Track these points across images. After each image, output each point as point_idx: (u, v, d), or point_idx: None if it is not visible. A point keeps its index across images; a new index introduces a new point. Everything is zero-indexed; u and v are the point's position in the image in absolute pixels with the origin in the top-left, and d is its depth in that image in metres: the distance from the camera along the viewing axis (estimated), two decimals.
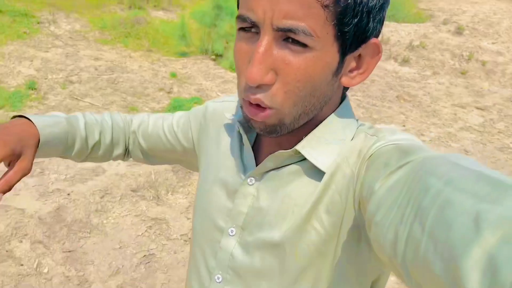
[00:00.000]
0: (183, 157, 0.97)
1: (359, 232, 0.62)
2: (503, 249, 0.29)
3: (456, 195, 0.37)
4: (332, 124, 0.68)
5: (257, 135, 0.78)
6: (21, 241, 2.69)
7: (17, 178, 0.74)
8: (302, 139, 0.67)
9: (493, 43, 8.72)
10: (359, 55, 0.62)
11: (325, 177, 0.64)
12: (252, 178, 0.72)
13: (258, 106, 0.61)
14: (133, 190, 3.33)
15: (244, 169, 0.75)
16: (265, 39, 0.56)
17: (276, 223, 0.68)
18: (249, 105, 0.62)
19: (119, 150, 1.01)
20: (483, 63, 7.75)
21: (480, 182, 0.37)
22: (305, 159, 0.67)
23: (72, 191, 3.16)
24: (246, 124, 0.73)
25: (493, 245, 0.30)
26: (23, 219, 2.84)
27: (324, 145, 0.66)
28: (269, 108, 0.60)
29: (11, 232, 2.73)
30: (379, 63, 7.63)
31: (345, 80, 0.63)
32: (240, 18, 0.59)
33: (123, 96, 4.92)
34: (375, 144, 0.61)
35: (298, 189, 0.67)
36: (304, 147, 0.66)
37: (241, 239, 0.72)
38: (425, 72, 7.50)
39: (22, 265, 2.54)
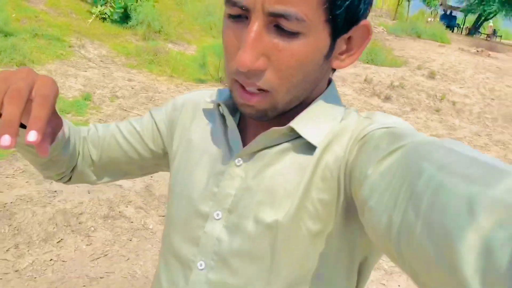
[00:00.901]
0: (145, 163, 0.89)
1: (349, 212, 0.62)
2: (498, 233, 0.30)
3: (449, 179, 0.37)
4: (321, 105, 0.67)
5: (241, 116, 0.75)
6: (127, 206, 3.45)
7: (47, 105, 0.54)
8: (291, 120, 0.65)
9: (460, 87, 10.08)
10: (349, 37, 0.62)
11: (317, 151, 0.63)
12: (240, 159, 0.69)
13: (249, 92, 0.60)
14: None
15: (230, 151, 0.72)
16: (256, 24, 0.55)
17: (268, 202, 0.65)
18: (241, 90, 0.61)
19: (73, 161, 0.87)
20: (454, 103, 9.00)
21: (473, 166, 0.37)
22: (296, 138, 0.66)
23: (153, 175, 3.94)
24: (230, 105, 0.72)
25: (488, 229, 0.30)
26: (124, 191, 3.61)
27: (316, 123, 0.65)
28: (264, 90, 0.60)
29: (119, 199, 3.49)
30: (365, 98, 8.77)
31: (335, 63, 0.64)
32: (229, 2, 0.57)
33: None
34: (368, 126, 0.61)
35: (289, 165, 0.66)
36: (298, 124, 0.65)
37: (228, 222, 0.68)
38: (405, 108, 8.62)
39: (132, 222, 3.29)
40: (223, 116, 0.75)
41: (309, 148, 0.65)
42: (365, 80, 9.50)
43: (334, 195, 0.62)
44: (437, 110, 8.67)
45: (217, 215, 0.69)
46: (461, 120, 8.45)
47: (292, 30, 0.54)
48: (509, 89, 10.62)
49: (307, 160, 0.64)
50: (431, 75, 10.47)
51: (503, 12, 27.90)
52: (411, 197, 0.40)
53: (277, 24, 0.55)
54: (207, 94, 0.82)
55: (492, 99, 9.77)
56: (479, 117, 8.62)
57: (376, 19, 20.96)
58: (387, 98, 8.91)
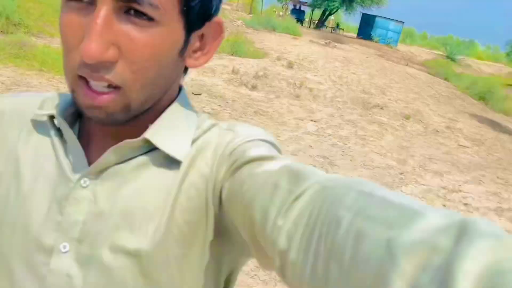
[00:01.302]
0: None
1: (218, 232, 0.59)
2: (422, 278, 0.29)
3: (367, 225, 0.37)
4: (175, 113, 0.63)
5: (82, 127, 0.65)
6: None
7: None
8: (143, 130, 0.59)
9: (314, 75, 11.33)
10: (202, 35, 0.60)
11: (182, 169, 0.59)
12: (86, 179, 0.59)
13: (96, 92, 0.53)
14: None
15: (72, 170, 0.60)
16: (103, 9, 0.49)
17: (125, 227, 0.58)
18: (87, 88, 0.53)
19: None
20: (311, 90, 10.13)
21: (388, 209, 0.38)
22: (152, 150, 0.60)
23: None
24: (70, 114, 0.63)
25: (412, 274, 0.30)
26: None
27: (173, 134, 0.61)
28: (115, 87, 0.53)
29: None
30: (234, 88, 9.43)
31: (189, 61, 0.61)
32: None
33: None
34: (234, 141, 0.59)
35: (148, 183, 0.59)
36: (154, 135, 0.59)
37: (78, 254, 0.58)
38: (270, 96, 9.47)
39: None
40: (59, 129, 0.63)
41: (170, 162, 0.60)
42: (232, 71, 10.15)
43: (202, 215, 0.59)
44: (297, 96, 9.68)
45: (64, 247, 0.59)
46: (318, 104, 9.56)
47: (146, 13, 0.50)
48: (354, 76, 12.21)
49: (168, 177, 0.60)
50: (290, 65, 11.59)
51: (344, 8, 31.10)
52: (332, 248, 0.39)
53: (128, 11, 0.51)
54: (36, 102, 0.67)
55: (341, 85, 11.19)
56: (332, 101, 9.84)
57: (234, 13, 21.92)
58: (254, 87, 9.67)
